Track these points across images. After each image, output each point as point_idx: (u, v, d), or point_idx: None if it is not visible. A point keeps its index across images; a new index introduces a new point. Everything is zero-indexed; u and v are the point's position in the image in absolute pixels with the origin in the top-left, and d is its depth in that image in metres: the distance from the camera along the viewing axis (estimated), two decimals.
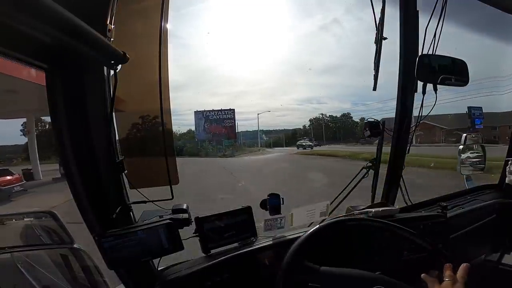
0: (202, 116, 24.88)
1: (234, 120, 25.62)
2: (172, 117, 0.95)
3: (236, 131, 26.33)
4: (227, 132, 24.77)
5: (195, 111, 24.80)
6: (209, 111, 25.54)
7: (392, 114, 1.35)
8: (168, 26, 0.83)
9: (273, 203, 1.08)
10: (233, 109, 25.80)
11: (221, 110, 25.30)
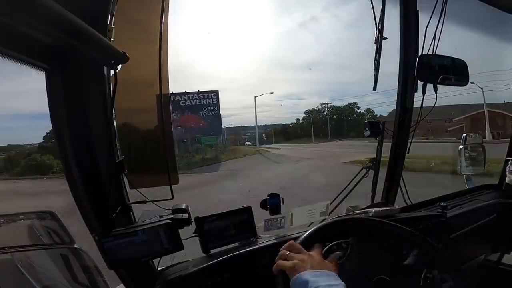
0: (171, 101, 13.92)
1: (218, 107, 17.15)
2: None
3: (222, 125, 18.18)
4: (207, 124, 16.64)
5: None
6: (181, 94, 16.60)
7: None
8: (169, 25, 0.83)
9: (273, 203, 1.08)
10: (217, 91, 17.13)
11: (198, 93, 16.83)
